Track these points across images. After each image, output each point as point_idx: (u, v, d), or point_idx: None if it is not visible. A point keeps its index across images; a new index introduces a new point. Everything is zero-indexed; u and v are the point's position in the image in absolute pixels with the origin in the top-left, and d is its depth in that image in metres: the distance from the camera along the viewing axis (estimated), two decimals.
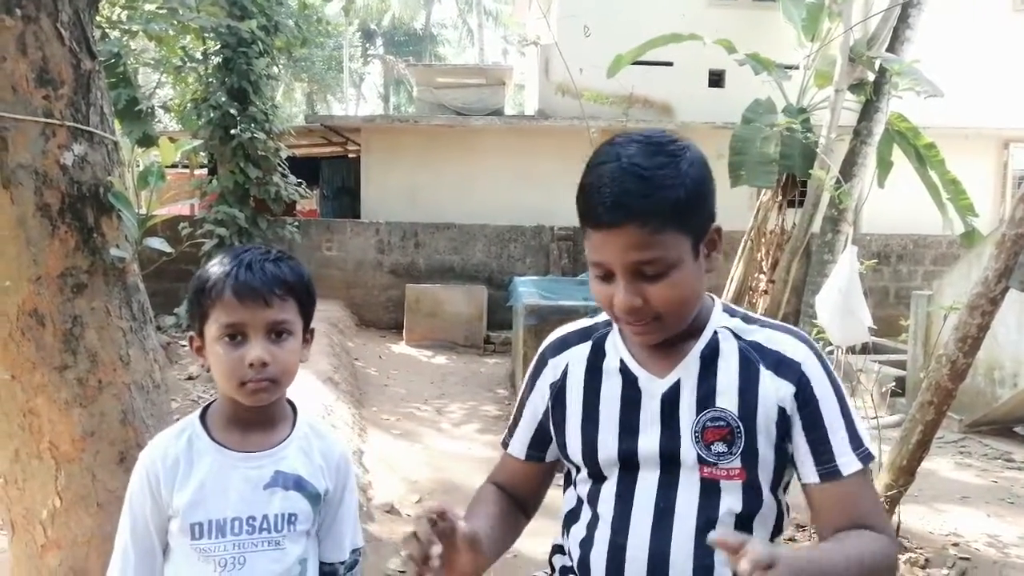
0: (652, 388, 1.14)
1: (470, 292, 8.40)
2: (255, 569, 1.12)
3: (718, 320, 1.16)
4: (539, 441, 1.27)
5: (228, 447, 1.16)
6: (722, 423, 1.09)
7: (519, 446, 1.28)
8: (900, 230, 9.63)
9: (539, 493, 1.33)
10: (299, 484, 1.18)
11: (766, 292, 8.38)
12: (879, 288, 9.24)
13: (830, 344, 3.71)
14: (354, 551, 1.27)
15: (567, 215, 9.39)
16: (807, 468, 1.09)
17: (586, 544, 1.16)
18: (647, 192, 1.01)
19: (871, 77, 8.04)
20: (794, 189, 8.52)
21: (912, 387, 5.72)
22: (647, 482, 1.12)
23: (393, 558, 3.03)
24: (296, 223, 8.77)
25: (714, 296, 1.19)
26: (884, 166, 8.34)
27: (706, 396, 1.11)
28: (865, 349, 6.05)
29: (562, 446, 1.21)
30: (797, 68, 8.55)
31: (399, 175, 10.30)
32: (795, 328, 1.17)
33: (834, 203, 7.83)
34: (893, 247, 9.53)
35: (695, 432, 1.11)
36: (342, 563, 1.25)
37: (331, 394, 4.68)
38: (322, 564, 1.25)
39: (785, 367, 1.10)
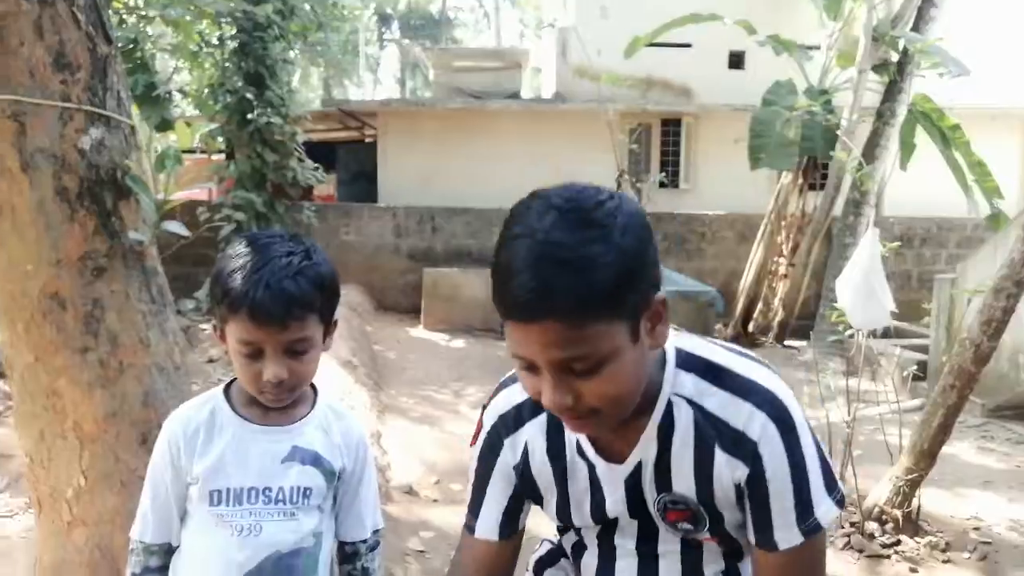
0: (613, 476, 1.07)
1: (487, 276, 8.37)
2: (270, 538, 1.15)
3: (672, 384, 1.02)
4: (513, 515, 1.16)
5: (249, 420, 1.18)
6: (682, 506, 1.05)
7: (490, 526, 1.15)
8: (923, 213, 9.50)
9: (514, 565, 1.21)
10: (316, 460, 1.20)
11: (786, 276, 8.32)
12: (901, 272, 9.13)
13: (850, 328, 3.68)
14: (375, 532, 1.29)
15: None
16: (748, 531, 1.04)
17: (575, 565, 1.19)
18: (568, 280, 0.84)
19: (895, 57, 7.91)
20: (815, 172, 8.44)
21: (934, 371, 5.66)
22: (627, 534, 1.12)
23: (412, 538, 3.07)
24: (314, 208, 8.80)
25: (665, 299, 0.99)
26: (907, 148, 8.22)
27: (664, 478, 1.04)
28: (887, 333, 5.99)
29: (539, 506, 1.17)
30: (819, 49, 8.43)
31: (416, 159, 10.29)
32: (760, 384, 1.00)
33: (856, 186, 7.73)
34: (916, 230, 9.40)
35: (659, 511, 1.08)
36: (364, 542, 1.27)
37: (350, 377, 4.72)
38: (344, 544, 1.26)
39: (740, 447, 0.99)
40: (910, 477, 3.26)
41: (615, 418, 0.96)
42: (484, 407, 1.17)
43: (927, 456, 3.23)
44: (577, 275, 0.84)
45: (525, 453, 1.11)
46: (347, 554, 1.27)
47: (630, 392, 0.94)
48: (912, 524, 3.29)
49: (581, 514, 1.12)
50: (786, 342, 8.18)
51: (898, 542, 3.21)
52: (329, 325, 1.19)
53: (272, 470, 1.17)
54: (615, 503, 1.08)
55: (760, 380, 1.00)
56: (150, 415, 2.39)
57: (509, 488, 1.13)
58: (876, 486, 3.43)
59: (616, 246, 0.86)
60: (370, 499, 1.28)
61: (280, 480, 1.17)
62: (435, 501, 3.53)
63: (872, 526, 3.28)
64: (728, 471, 1.00)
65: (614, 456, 1.04)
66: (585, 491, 1.10)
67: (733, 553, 1.12)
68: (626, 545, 1.13)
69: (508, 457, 1.12)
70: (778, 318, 8.26)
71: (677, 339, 1.05)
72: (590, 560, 1.17)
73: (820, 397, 3.72)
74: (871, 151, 7.77)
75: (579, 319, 0.85)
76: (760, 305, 8.39)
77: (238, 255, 1.13)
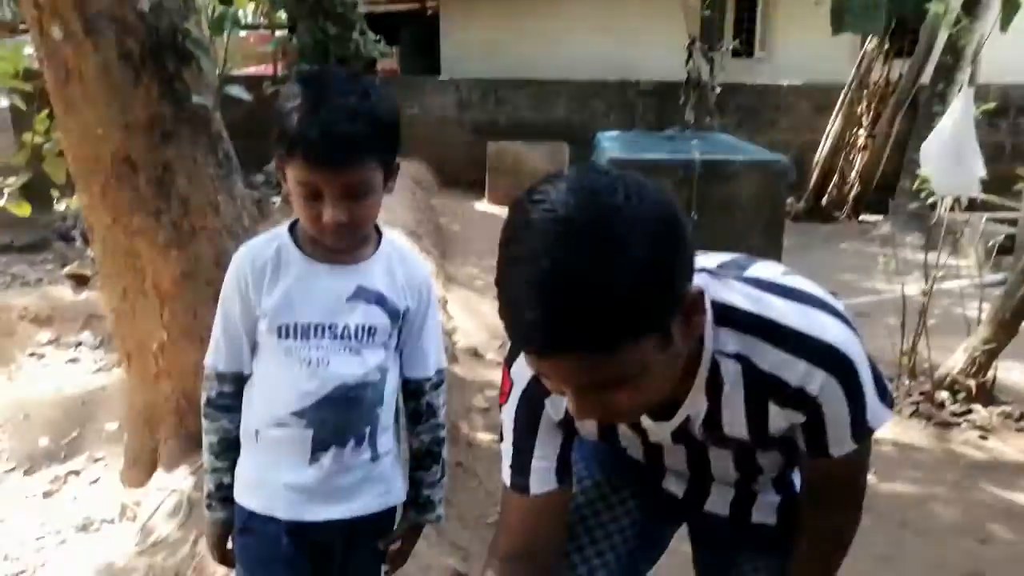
0: (661, 429, 1.02)
1: (552, 149, 8.23)
2: (337, 371, 1.18)
3: (714, 343, 0.92)
4: (567, 455, 1.08)
5: (314, 258, 1.19)
6: (733, 441, 1.02)
7: (547, 479, 1.05)
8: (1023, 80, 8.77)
9: (566, 520, 1.12)
10: (380, 300, 1.21)
11: (865, 148, 7.93)
12: (994, 143, 8.52)
13: (933, 195, 3.51)
14: (438, 371, 1.31)
15: (652, 69, 8.99)
16: (800, 444, 1.00)
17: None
18: (582, 314, 0.72)
19: None
20: (903, 37, 7.84)
21: (1023, 243, 5.39)
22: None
23: (477, 396, 3.19)
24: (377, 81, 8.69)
25: (702, 289, 0.84)
26: (1011, 6, 7.48)
27: (713, 426, 0.99)
28: (972, 205, 5.68)
29: None
30: None
31: (478, 31, 9.98)
32: (814, 336, 0.90)
33: (948, 50, 7.16)
34: (1014, 98, 8.70)
35: (710, 443, 1.05)
36: (428, 380, 1.29)
37: (415, 247, 4.80)
38: (409, 381, 1.29)
39: (797, 402, 0.92)
40: (987, 347, 3.17)
41: (649, 410, 0.91)
42: (507, 363, 1.06)
43: (1008, 327, 3.12)
44: (593, 306, 0.72)
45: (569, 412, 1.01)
46: (411, 391, 1.30)
47: (663, 393, 0.87)
48: (986, 394, 3.23)
49: (628, 442, 1.11)
50: (861, 217, 7.89)
51: (969, 411, 3.16)
52: (390, 167, 1.16)
53: (337, 308, 1.18)
54: (664, 441, 1.06)
55: (813, 331, 0.90)
56: (223, 275, 2.49)
57: (558, 436, 1.06)
58: (950, 357, 3.36)
59: (638, 261, 0.72)
60: (433, 339, 1.29)
61: (345, 318, 1.18)
62: (499, 363, 3.65)
63: (943, 395, 3.24)
64: (784, 419, 0.95)
65: (660, 414, 0.98)
66: (632, 434, 1.07)
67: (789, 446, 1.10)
68: (674, 447, 1.11)
69: (551, 415, 1.03)
70: (854, 192, 7.93)
71: (713, 289, 0.92)
72: (635, 448, 1.15)
73: (895, 270, 3.60)
74: (969, 10, 7.13)
75: (599, 350, 0.75)
76: (835, 178, 8.05)
77: (295, 94, 1.10)
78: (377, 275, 1.21)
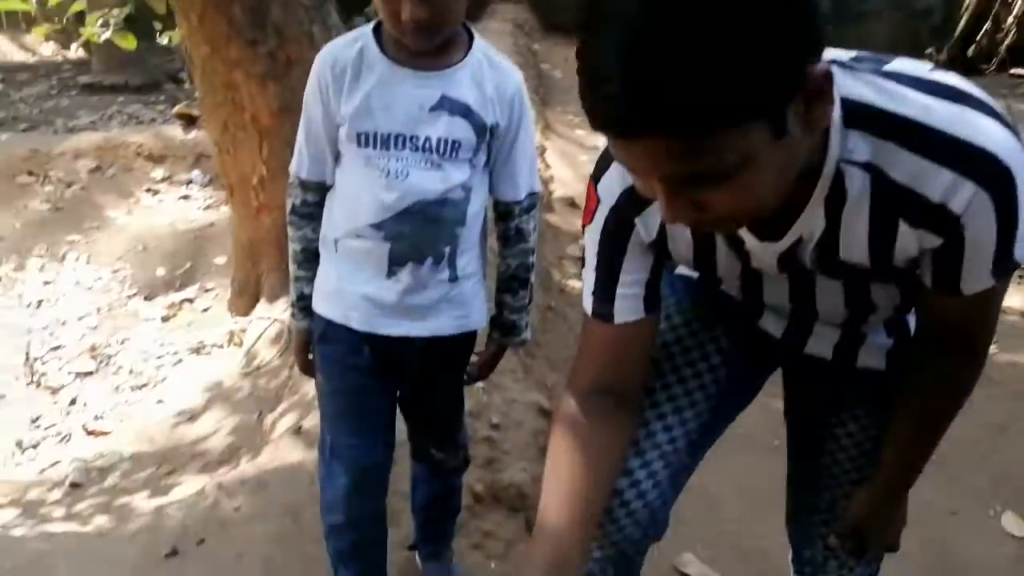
0: (767, 252, 0.88)
1: None
2: (416, 184, 1.13)
3: (839, 149, 0.76)
4: (656, 282, 0.97)
5: (397, 62, 1.12)
6: (849, 268, 0.87)
7: (634, 306, 0.96)
8: None
9: (650, 354, 1.04)
10: (466, 112, 1.13)
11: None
12: None
13: None
14: (530, 195, 1.24)
15: None
16: (925, 277, 0.84)
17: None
18: (674, 85, 0.60)
19: None
20: None
21: None
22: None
23: (571, 245, 3.14)
24: None
25: (830, 72, 0.68)
26: None
27: (829, 250, 0.84)
28: None
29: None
30: None
31: None
32: (968, 141, 0.73)
33: None
34: None
35: (821, 272, 0.90)
36: (518, 203, 1.23)
37: None
38: (498, 203, 1.24)
39: (936, 220, 0.76)
40: None
41: (753, 219, 0.78)
42: (593, 178, 0.93)
43: None
44: (686, 75, 0.60)
45: (662, 231, 0.91)
46: (501, 214, 1.24)
47: (773, 196, 0.73)
48: None
49: (725, 272, 0.99)
50: (1013, 70, 7.05)
51: None
52: None
53: (419, 118, 1.11)
54: (767, 268, 0.94)
55: (966, 134, 0.73)
56: None
57: (648, 260, 0.95)
58: None
59: (744, 23, 0.60)
60: (525, 160, 1.21)
61: (427, 130, 1.12)
62: None
63: None
64: (914, 242, 0.80)
65: (768, 234, 0.85)
66: (732, 259, 0.94)
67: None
68: (775, 277, 0.98)
69: (642, 235, 0.92)
70: (1008, 40, 7.06)
71: (844, 84, 0.75)
72: (732, 280, 1.03)
73: None
74: None
75: (696, 130, 0.63)
76: (987, 25, 7.17)
77: None
78: (464, 85, 1.13)
